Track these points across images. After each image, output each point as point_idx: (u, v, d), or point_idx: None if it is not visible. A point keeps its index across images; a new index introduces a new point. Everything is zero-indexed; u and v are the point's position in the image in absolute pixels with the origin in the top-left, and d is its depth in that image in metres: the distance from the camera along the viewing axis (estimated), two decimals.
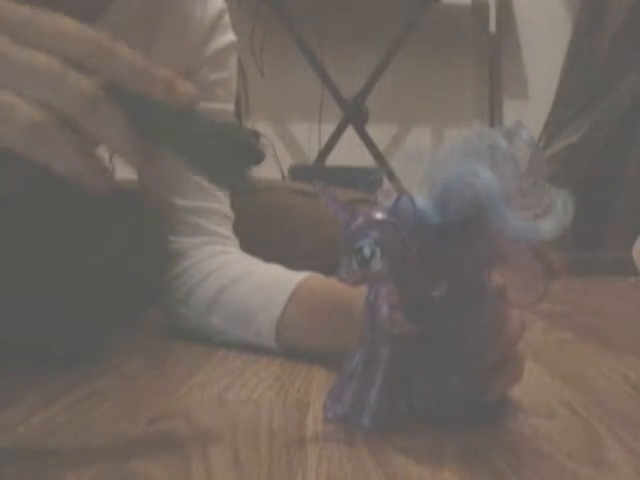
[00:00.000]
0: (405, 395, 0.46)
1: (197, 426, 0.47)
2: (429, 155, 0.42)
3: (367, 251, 0.40)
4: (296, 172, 2.07)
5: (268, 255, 0.76)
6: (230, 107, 0.80)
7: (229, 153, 0.38)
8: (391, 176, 0.45)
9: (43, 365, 0.62)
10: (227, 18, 0.77)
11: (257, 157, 0.38)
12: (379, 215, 0.41)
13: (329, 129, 2.26)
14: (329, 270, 0.55)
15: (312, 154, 2.34)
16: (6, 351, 0.61)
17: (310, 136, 2.38)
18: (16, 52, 0.34)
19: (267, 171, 2.18)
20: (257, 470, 0.38)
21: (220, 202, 0.79)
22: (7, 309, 0.62)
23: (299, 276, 0.69)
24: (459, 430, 0.44)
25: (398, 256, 0.40)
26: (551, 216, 0.40)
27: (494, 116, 2.45)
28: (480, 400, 0.45)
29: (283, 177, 2.18)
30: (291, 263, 0.74)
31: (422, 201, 0.41)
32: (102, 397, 0.54)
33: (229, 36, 0.78)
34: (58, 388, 0.55)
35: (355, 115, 2.20)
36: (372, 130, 2.23)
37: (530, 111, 2.37)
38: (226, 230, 0.79)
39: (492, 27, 2.50)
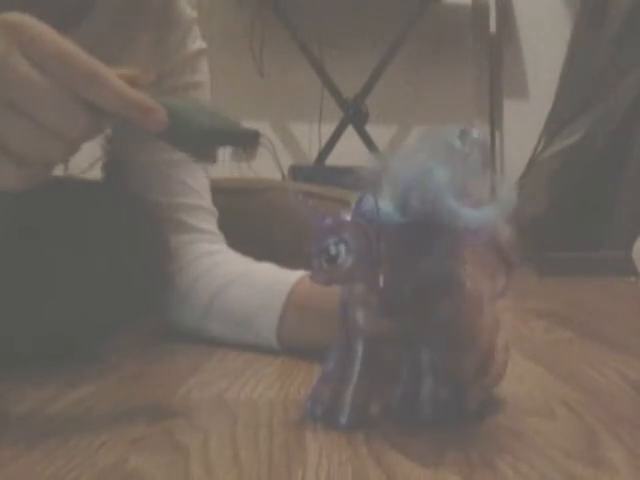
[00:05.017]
0: (381, 395, 0.46)
1: (197, 426, 0.47)
2: (394, 155, 0.44)
3: (332, 249, 0.42)
4: (296, 172, 2.07)
5: (268, 255, 0.76)
6: None
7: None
8: None
9: (43, 365, 0.62)
10: (197, 28, 0.80)
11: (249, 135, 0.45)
12: (344, 216, 0.43)
13: (329, 129, 2.25)
14: None
15: (312, 154, 2.33)
16: (6, 351, 0.61)
17: (310, 136, 2.38)
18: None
19: (267, 171, 2.19)
20: (257, 470, 0.38)
21: (202, 198, 0.78)
22: (5, 309, 0.62)
23: (294, 275, 0.69)
24: (459, 430, 0.44)
25: (365, 254, 0.42)
26: (495, 202, 0.41)
27: (494, 116, 2.45)
28: (460, 400, 0.45)
29: (283, 177, 2.17)
30: (292, 263, 0.74)
31: (385, 202, 0.43)
32: (102, 397, 0.54)
33: (200, 43, 0.81)
34: (58, 388, 0.55)
35: (355, 115, 2.20)
36: (372, 130, 2.23)
37: (530, 111, 2.37)
38: (211, 226, 0.79)
39: (492, 27, 2.49)
